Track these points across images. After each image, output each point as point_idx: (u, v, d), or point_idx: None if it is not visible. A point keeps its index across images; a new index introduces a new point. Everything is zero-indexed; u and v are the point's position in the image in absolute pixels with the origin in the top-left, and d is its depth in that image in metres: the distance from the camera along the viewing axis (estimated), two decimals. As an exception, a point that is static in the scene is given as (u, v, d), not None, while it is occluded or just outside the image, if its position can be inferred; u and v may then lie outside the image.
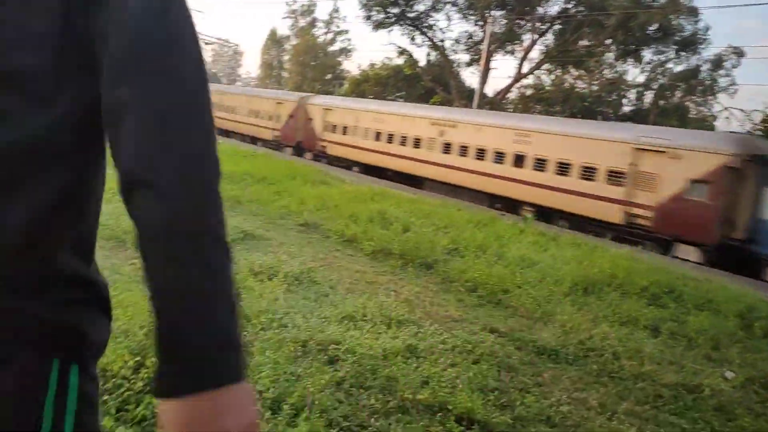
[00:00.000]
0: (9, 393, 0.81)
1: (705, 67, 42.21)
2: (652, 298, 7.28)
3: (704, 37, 39.13)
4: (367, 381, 3.76)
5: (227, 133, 36.39)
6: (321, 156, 27.98)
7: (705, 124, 42.26)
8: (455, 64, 45.09)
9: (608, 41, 37.08)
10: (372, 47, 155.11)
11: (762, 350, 5.99)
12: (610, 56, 41.70)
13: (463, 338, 4.88)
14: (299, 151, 29.83)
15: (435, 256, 7.83)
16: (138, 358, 3.09)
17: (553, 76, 45.63)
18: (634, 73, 45.04)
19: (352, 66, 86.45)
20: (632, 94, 45.29)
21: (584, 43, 37.79)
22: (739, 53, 41.67)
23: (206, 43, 50.49)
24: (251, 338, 4.03)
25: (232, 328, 0.75)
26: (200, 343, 0.73)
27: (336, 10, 78.49)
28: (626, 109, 44.44)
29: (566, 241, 10.48)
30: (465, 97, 42.42)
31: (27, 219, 0.79)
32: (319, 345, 4.14)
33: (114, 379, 2.93)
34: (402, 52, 45.77)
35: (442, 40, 43.79)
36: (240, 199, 10.14)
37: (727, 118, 42.68)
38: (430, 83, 45.03)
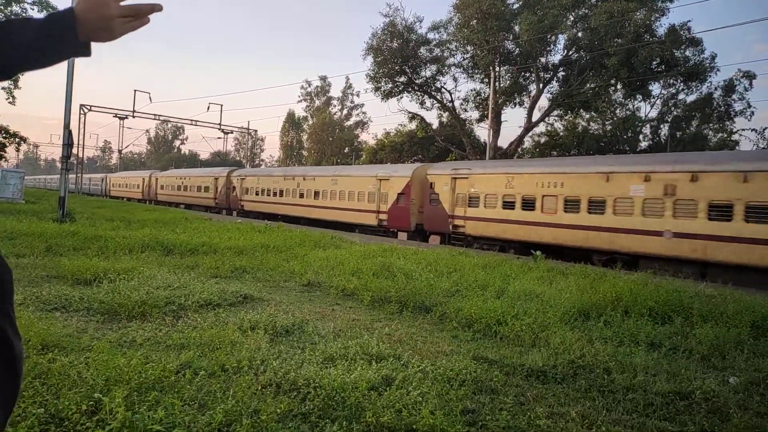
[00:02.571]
0: None
1: (717, 94, 42.08)
2: (657, 317, 7.08)
3: (711, 65, 39.07)
4: (334, 411, 3.76)
5: (298, 221, 29.75)
6: (457, 238, 22.02)
7: (728, 148, 41.65)
8: (467, 122, 46.09)
9: (613, 81, 37.47)
10: (387, 115, 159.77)
11: (771, 354, 5.73)
12: (619, 96, 42.16)
13: (447, 368, 4.83)
14: (420, 235, 24.06)
15: (434, 299, 7.82)
16: (92, 402, 3.20)
17: (564, 122, 46.16)
18: (647, 109, 44.84)
19: (369, 137, 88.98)
20: (647, 130, 45.34)
21: (590, 86, 38.29)
22: (750, 76, 41.54)
23: (226, 132, 52.78)
24: (224, 383, 4.10)
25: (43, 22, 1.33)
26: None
27: (349, 87, 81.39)
28: (643, 144, 44.28)
29: (575, 272, 10.32)
30: (480, 152, 43.03)
31: None
32: (292, 384, 4.17)
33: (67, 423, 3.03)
34: (413, 117, 47.14)
35: (451, 101, 44.93)
36: (247, 268, 10.37)
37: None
38: (444, 143, 45.90)
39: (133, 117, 51.21)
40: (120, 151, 73.31)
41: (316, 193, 30.62)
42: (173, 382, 3.94)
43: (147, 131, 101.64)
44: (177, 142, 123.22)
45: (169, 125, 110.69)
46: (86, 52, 1.37)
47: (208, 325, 5.85)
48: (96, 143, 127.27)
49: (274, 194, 34.78)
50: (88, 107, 50.96)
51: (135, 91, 51.47)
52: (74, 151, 25.28)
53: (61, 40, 1.32)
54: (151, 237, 13.08)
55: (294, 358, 4.87)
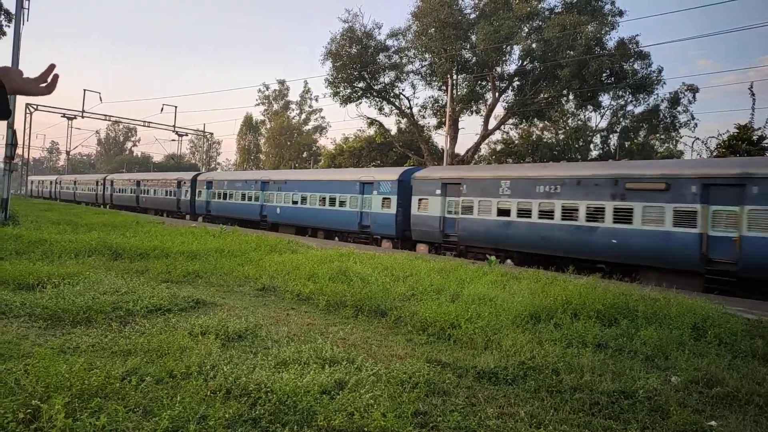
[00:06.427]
0: None
1: (663, 106, 43.70)
2: (604, 319, 7.29)
3: (658, 78, 40.55)
4: (285, 416, 3.72)
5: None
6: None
7: (675, 158, 43.28)
8: (425, 129, 46.48)
9: (565, 91, 38.51)
10: (345, 120, 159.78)
11: (709, 354, 5.99)
12: (571, 106, 43.36)
13: (400, 371, 4.85)
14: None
15: (389, 303, 7.84)
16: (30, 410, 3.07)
17: (519, 130, 47.18)
18: (598, 120, 46.31)
19: (327, 142, 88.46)
20: (598, 139, 46.79)
21: (543, 96, 39.25)
22: (694, 90, 43.35)
23: (180, 135, 51.65)
24: (171, 390, 4.00)
25: None
26: None
27: (308, 91, 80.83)
28: (594, 153, 45.67)
29: (527, 276, 10.53)
30: (437, 158, 43.47)
31: None
32: (242, 389, 4.11)
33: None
34: (372, 122, 47.19)
35: (409, 107, 45.20)
36: (200, 272, 10.15)
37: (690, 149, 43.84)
38: (402, 149, 46.15)
39: (83, 117, 49.57)
40: (68, 153, 70.76)
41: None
42: (118, 388, 3.82)
43: (97, 132, 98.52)
44: (129, 144, 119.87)
45: (121, 126, 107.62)
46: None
47: (156, 331, 5.70)
48: (43, 144, 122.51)
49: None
50: (34, 106, 49.03)
51: (84, 90, 49.85)
52: (18, 151, 24.19)
53: None
54: (99, 241, 12.66)
55: (246, 363, 4.79)
